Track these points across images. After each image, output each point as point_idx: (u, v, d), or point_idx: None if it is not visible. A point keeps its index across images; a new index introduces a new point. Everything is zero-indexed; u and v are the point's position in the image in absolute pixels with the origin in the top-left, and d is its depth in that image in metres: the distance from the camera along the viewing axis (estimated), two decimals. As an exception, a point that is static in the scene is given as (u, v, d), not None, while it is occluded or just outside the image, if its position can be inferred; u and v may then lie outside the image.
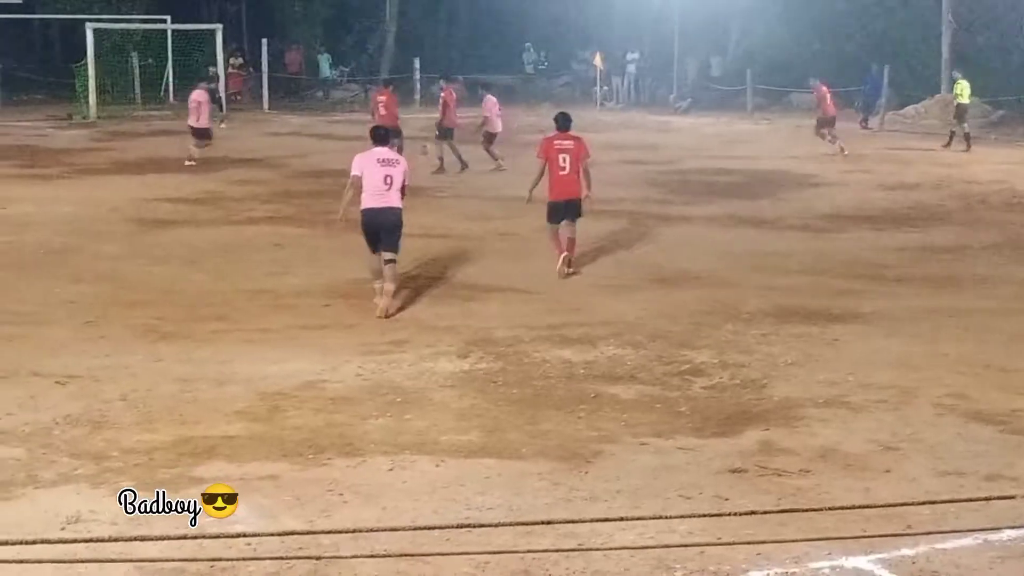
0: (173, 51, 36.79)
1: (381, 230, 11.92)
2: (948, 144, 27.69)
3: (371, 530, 6.43)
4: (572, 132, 14.28)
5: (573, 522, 6.59)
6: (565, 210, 13.75)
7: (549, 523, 6.56)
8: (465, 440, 8.20)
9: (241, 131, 29.91)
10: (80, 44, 34.10)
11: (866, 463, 7.87)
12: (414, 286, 12.98)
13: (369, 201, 11.93)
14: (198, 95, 23.59)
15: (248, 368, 9.78)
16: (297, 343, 10.64)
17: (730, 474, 7.65)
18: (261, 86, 37.41)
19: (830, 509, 6.72)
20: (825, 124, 26.54)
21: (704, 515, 6.80)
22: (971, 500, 7.02)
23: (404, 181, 12.06)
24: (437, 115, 23.40)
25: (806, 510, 6.78)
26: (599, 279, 13.62)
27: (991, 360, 10.29)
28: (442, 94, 23.69)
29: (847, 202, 19.52)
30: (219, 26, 35.97)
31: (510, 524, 6.64)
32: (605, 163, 24.23)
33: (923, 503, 6.99)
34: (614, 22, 41.85)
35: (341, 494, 7.23)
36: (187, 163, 22.71)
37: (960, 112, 27.93)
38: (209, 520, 6.75)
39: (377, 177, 11.96)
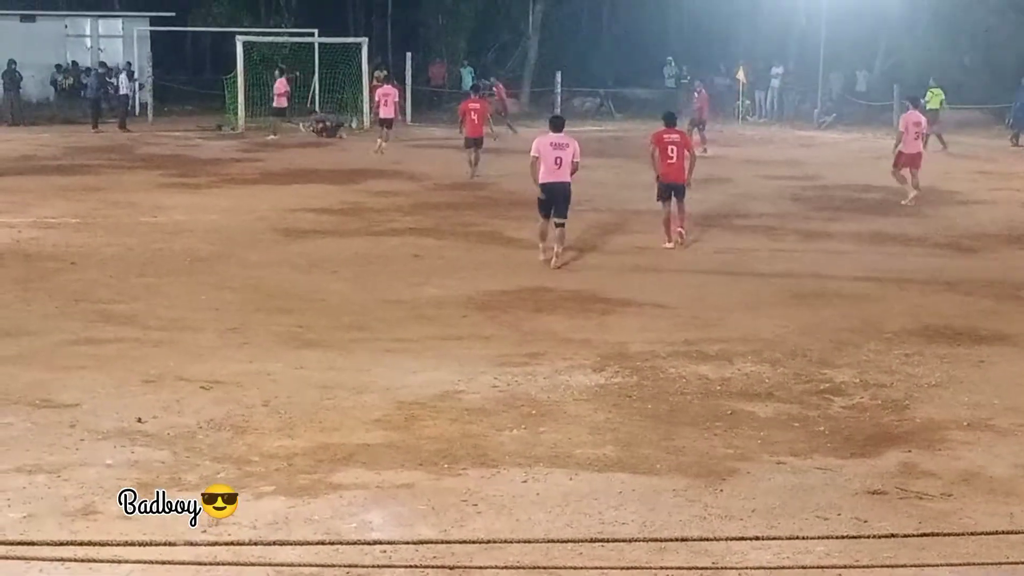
0: (320, 64, 37.43)
1: (556, 199, 14.98)
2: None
3: (504, 541, 6.47)
4: (677, 128, 17.04)
5: (708, 540, 6.54)
6: (673, 191, 16.46)
7: (683, 540, 6.51)
8: (599, 454, 8.18)
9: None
10: (230, 56, 34.90)
11: (1011, 488, 7.67)
12: (549, 299, 13.01)
13: (547, 176, 15.05)
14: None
15: (386, 377, 9.90)
16: (434, 353, 10.74)
17: (869, 496, 7.52)
18: (404, 99, 37.86)
19: (972, 534, 6.57)
20: (697, 124, 29.05)
21: (842, 537, 6.69)
22: (1122, 530, 6.80)
23: (574, 159, 15.12)
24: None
25: (947, 534, 6.63)
26: (738, 295, 13.49)
27: None
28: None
29: (995, 220, 19.05)
30: (364, 39, 36.52)
31: (644, 540, 6.61)
32: (746, 178, 24.08)
33: (1071, 531, 6.78)
34: (759, 35, 41.48)
35: (475, 504, 7.27)
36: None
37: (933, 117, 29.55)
38: (347, 527, 6.87)
39: (550, 158, 15.05)
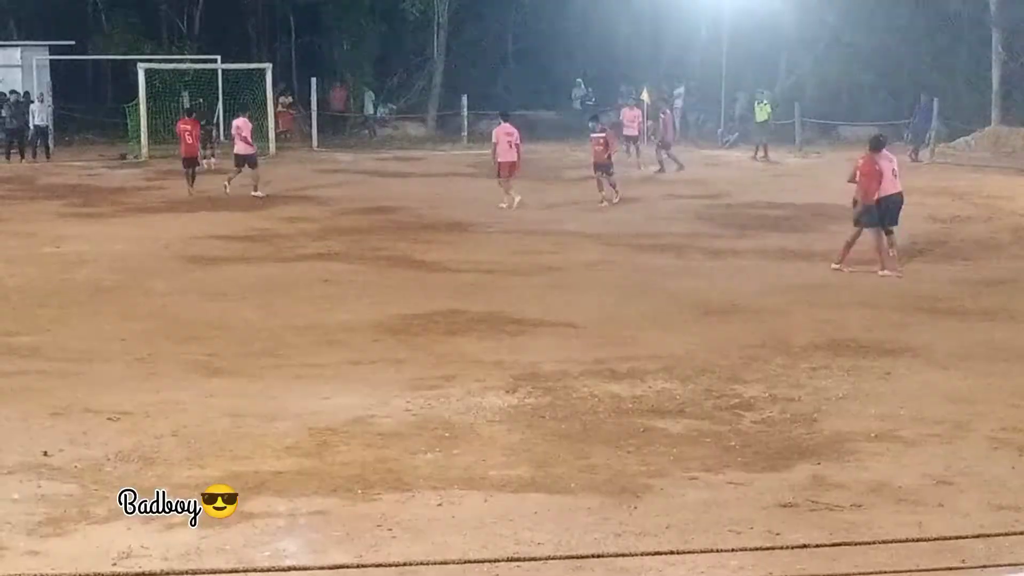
0: (224, 90, 37.14)
1: (893, 210, 16.02)
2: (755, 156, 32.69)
3: (420, 564, 6.43)
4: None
5: (623, 556, 6.56)
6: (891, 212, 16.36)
7: (599, 557, 6.53)
8: (514, 475, 8.18)
9: (291, 168, 30.15)
10: (132, 84, 34.49)
11: (919, 497, 7.79)
12: (462, 321, 13.01)
13: (889, 188, 15.87)
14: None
15: (298, 403, 9.82)
16: (346, 378, 10.68)
17: (781, 508, 7.60)
18: (310, 124, 37.69)
19: (883, 543, 6.66)
20: (663, 146, 29.66)
21: (755, 549, 6.75)
22: (1026, 534, 6.93)
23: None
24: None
25: (858, 544, 6.71)
26: (648, 313, 13.59)
27: (1046, 393, 10.18)
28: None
29: (898, 235, 19.35)
30: (268, 65, 36.29)
31: (560, 558, 6.61)
32: (653, 198, 24.29)
33: (977, 536, 6.90)
34: (662, 57, 41.89)
35: (390, 529, 7.23)
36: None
37: (756, 128, 33.65)
38: (261, 555, 6.80)
39: (887, 171, 15.94)
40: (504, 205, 22.38)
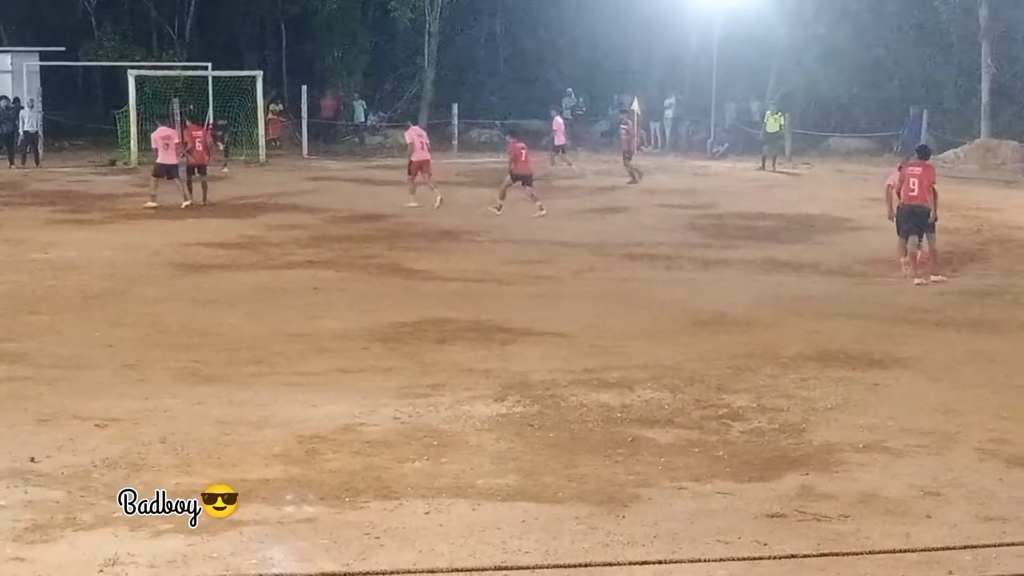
0: (214, 98, 37.13)
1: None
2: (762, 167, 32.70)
3: (407, 572, 6.42)
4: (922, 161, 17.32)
5: (611, 565, 6.56)
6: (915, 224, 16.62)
7: (586, 566, 6.53)
8: (502, 484, 8.18)
9: (281, 176, 30.14)
10: (122, 91, 34.46)
11: (907, 508, 7.80)
12: (451, 329, 13.00)
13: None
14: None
15: (286, 411, 9.81)
16: (335, 386, 10.67)
17: (769, 519, 7.60)
18: (300, 132, 37.68)
19: (870, 553, 6.67)
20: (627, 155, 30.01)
21: (743, 559, 6.75)
22: (1014, 545, 6.94)
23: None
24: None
25: (846, 554, 6.73)
26: (637, 322, 13.60)
27: (1033, 405, 10.20)
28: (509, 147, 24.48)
29: (885, 246, 19.38)
30: (259, 73, 36.26)
31: (547, 567, 6.61)
32: (643, 208, 24.33)
33: (965, 547, 6.90)
34: (653, 66, 41.95)
35: (378, 537, 7.22)
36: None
37: (767, 138, 33.64)
38: (248, 563, 6.79)
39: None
40: (413, 203, 23.66)
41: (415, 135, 25.25)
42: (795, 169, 33.32)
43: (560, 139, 32.76)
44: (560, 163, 31.99)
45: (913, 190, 16.49)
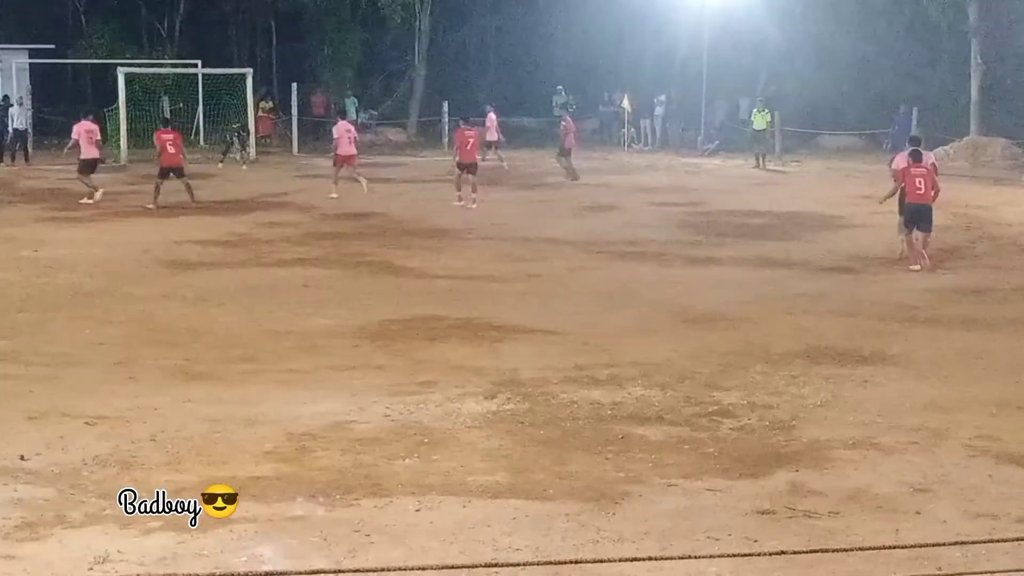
0: (204, 95, 37.07)
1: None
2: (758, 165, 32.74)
3: (398, 569, 6.42)
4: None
5: (601, 562, 6.56)
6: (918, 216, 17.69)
7: (577, 563, 6.53)
8: (492, 481, 8.18)
9: (271, 173, 30.12)
10: (111, 88, 34.40)
11: (896, 505, 7.82)
12: (441, 327, 13.00)
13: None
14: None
15: (277, 409, 9.80)
16: (326, 384, 10.66)
17: (759, 515, 7.61)
18: (290, 130, 37.65)
19: (860, 550, 6.68)
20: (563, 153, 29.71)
21: (733, 555, 6.76)
22: (1003, 541, 6.96)
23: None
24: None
25: (836, 550, 6.74)
26: (627, 320, 13.61)
27: (1023, 401, 10.22)
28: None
29: (876, 244, 19.45)
30: (249, 70, 36.20)
31: (538, 564, 6.61)
32: (634, 205, 24.34)
33: (954, 544, 6.93)
34: (643, 64, 41.97)
35: (368, 535, 7.22)
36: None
37: (754, 136, 34.03)
38: (238, 560, 6.78)
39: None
40: (334, 195, 24.64)
41: (343, 130, 26.01)
42: (785, 167, 33.36)
43: (492, 135, 32.39)
44: (492, 159, 31.60)
45: (920, 189, 17.55)
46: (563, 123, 30.63)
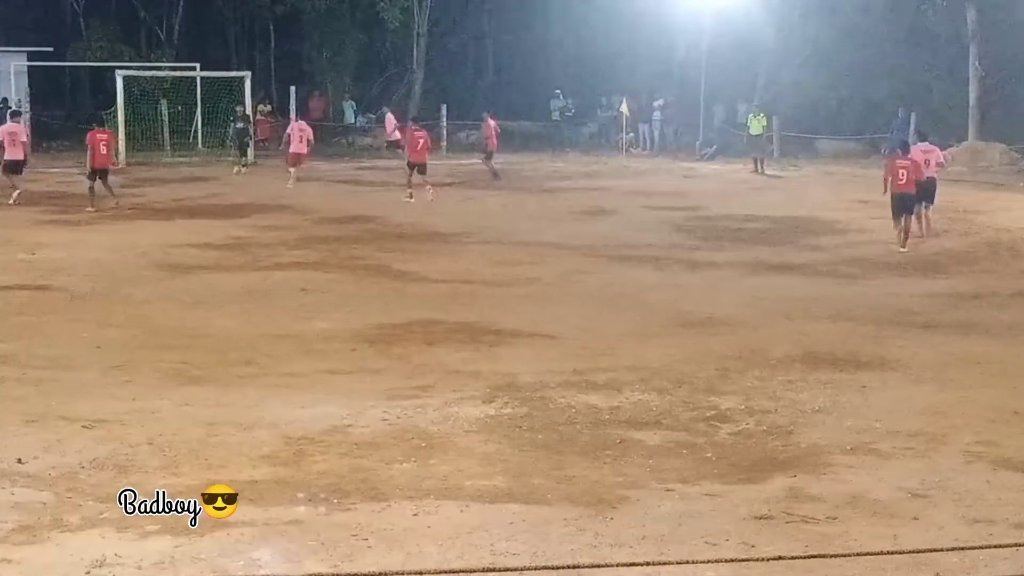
0: (202, 98, 37.07)
1: (906, 201, 19.32)
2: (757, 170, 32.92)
3: (396, 574, 6.41)
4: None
5: (599, 567, 6.56)
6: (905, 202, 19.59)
7: (575, 567, 6.53)
8: (490, 485, 8.17)
9: (269, 176, 30.08)
10: (110, 91, 34.39)
11: (894, 510, 7.81)
12: (439, 331, 12.99)
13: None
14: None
15: (274, 412, 9.79)
16: (323, 388, 10.66)
17: (757, 520, 7.60)
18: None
19: (858, 555, 6.68)
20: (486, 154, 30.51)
21: (731, 560, 6.75)
22: (1001, 547, 6.95)
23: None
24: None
25: (833, 556, 6.73)
26: (625, 324, 13.60)
27: (1020, 407, 10.22)
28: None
29: (874, 249, 19.47)
30: (247, 73, 36.20)
31: (535, 568, 6.61)
32: (632, 210, 24.34)
33: (952, 549, 6.92)
34: (642, 69, 41.99)
35: (366, 539, 7.21)
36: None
37: (750, 141, 34.15)
38: (235, 564, 6.78)
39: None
40: (290, 185, 26.71)
41: (297, 129, 28.61)
42: (783, 171, 33.36)
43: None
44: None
45: (902, 180, 19.45)
46: (485, 125, 31.00)
